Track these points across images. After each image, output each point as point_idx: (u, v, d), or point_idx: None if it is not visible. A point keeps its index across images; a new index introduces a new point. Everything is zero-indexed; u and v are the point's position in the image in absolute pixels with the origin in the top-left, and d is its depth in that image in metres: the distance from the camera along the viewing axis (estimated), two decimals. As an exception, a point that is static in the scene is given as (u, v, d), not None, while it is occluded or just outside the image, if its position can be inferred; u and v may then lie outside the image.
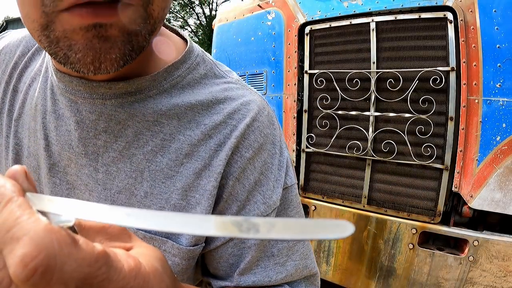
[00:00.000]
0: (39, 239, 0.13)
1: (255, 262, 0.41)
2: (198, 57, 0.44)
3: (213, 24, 2.63)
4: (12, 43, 0.47)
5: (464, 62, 1.47)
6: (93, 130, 0.37)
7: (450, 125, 1.51)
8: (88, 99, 0.37)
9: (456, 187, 1.52)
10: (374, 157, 1.71)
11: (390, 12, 1.65)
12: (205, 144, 0.38)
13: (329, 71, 1.81)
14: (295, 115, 1.99)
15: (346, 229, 0.15)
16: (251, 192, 0.40)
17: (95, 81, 0.37)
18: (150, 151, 0.38)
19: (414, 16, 1.57)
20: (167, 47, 0.41)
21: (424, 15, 1.55)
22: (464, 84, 1.47)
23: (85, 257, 0.14)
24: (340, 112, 1.80)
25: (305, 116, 1.93)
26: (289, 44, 2.00)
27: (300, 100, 1.98)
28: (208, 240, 0.41)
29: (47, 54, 0.42)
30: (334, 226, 0.15)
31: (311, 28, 1.89)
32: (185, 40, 0.44)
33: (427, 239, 1.66)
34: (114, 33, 0.28)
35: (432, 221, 1.58)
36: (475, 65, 1.45)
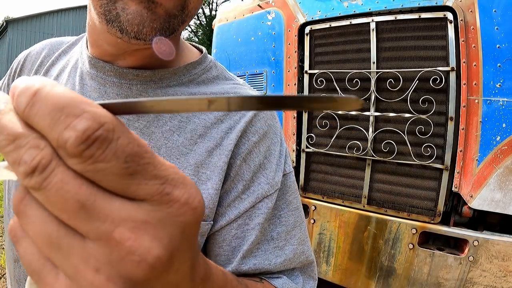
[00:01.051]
0: (100, 115, 0.15)
1: (256, 245, 0.43)
2: (211, 62, 0.51)
3: (213, 24, 2.63)
4: (35, 51, 0.54)
5: (464, 62, 1.47)
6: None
7: (450, 125, 1.51)
8: (116, 83, 0.43)
9: (456, 187, 1.52)
10: (374, 157, 1.71)
11: (390, 12, 1.65)
12: (217, 127, 0.43)
13: (329, 71, 1.81)
14: (295, 115, 1.99)
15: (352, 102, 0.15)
16: (256, 174, 0.43)
17: (125, 68, 0.43)
18: (168, 130, 0.42)
19: (414, 16, 1.57)
20: (188, 50, 0.50)
21: (424, 15, 1.55)
22: (464, 84, 1.47)
23: (136, 137, 0.16)
24: (340, 112, 1.80)
25: (305, 116, 1.93)
26: (289, 44, 2.00)
27: (300, 100, 1.98)
28: (215, 217, 0.43)
29: (79, 50, 0.49)
30: (342, 100, 0.15)
31: (311, 28, 1.89)
32: (201, 51, 0.53)
33: (427, 239, 1.66)
34: (160, 11, 0.36)
35: (432, 221, 1.58)
36: (475, 65, 1.45)
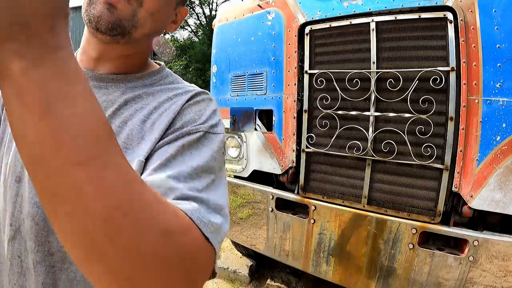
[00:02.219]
0: None
1: (169, 161, 0.49)
2: (168, 72, 0.66)
3: (213, 24, 2.63)
4: None
5: (464, 62, 1.47)
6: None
7: (450, 125, 1.51)
8: (96, 85, 0.58)
9: (456, 187, 1.52)
10: (374, 157, 1.71)
11: (390, 12, 1.65)
12: (168, 102, 0.58)
13: (329, 71, 1.81)
14: (295, 115, 1.98)
15: None
16: (185, 123, 0.54)
17: (104, 74, 0.58)
18: (133, 110, 0.57)
19: (414, 16, 1.57)
20: (151, 64, 0.67)
21: (424, 15, 1.55)
22: (464, 84, 1.47)
23: None
24: (340, 112, 1.80)
25: (305, 116, 1.93)
26: (289, 44, 1.99)
27: (300, 100, 1.98)
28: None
29: None
30: None
31: (311, 28, 1.89)
32: (160, 65, 0.68)
33: (427, 239, 1.66)
34: (115, 12, 0.51)
35: (432, 221, 1.58)
36: (475, 65, 1.45)
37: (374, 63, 1.67)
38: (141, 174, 0.49)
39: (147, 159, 0.51)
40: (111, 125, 0.51)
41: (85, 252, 0.27)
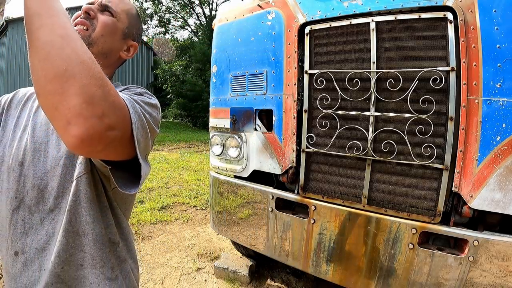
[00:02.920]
0: None
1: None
2: (118, 83, 0.94)
3: (213, 24, 2.63)
4: (21, 92, 0.94)
5: (464, 62, 1.47)
6: None
7: (450, 125, 1.51)
8: None
9: (456, 187, 1.52)
10: (374, 157, 1.71)
11: (390, 12, 1.65)
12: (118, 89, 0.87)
13: (329, 71, 1.81)
14: (295, 115, 1.99)
15: None
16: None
17: None
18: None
19: (414, 16, 1.57)
20: (112, 80, 0.95)
21: (424, 15, 1.55)
22: (464, 84, 1.47)
23: None
24: (340, 112, 1.80)
25: (305, 116, 1.93)
26: (289, 44, 1.99)
27: (300, 100, 1.98)
28: None
29: None
30: None
31: (311, 28, 1.89)
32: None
33: (427, 239, 1.66)
34: (84, 34, 0.82)
35: (432, 221, 1.58)
36: (475, 65, 1.45)
37: (374, 63, 1.67)
38: None
39: None
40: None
41: (56, 78, 0.52)
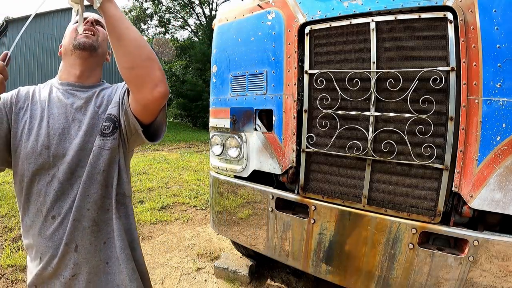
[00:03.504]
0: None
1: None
2: (105, 82, 1.19)
3: (213, 24, 2.63)
4: (23, 90, 1.11)
5: (464, 62, 1.47)
6: (71, 100, 1.09)
7: (450, 125, 1.51)
8: (80, 89, 1.11)
9: (456, 187, 1.52)
10: (374, 157, 1.71)
11: (390, 12, 1.65)
12: (108, 89, 1.15)
13: (329, 71, 1.81)
14: (295, 115, 1.99)
15: None
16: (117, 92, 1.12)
17: (75, 82, 1.12)
18: (102, 94, 1.13)
19: (414, 16, 1.57)
20: (100, 79, 1.22)
21: (424, 15, 1.55)
22: (464, 84, 1.47)
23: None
24: (340, 112, 1.80)
25: (305, 116, 1.93)
26: (289, 44, 1.99)
27: (300, 100, 1.98)
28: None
29: (48, 85, 1.14)
30: None
31: (311, 28, 1.89)
32: (103, 80, 1.25)
33: (427, 239, 1.66)
34: (89, 38, 1.11)
35: (432, 221, 1.58)
36: (475, 65, 1.45)
37: (374, 63, 1.67)
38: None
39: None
40: (99, 97, 1.11)
41: (139, 55, 0.92)
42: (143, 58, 0.90)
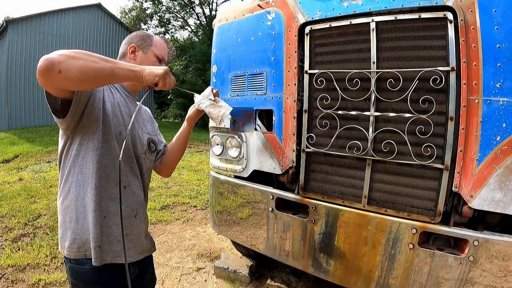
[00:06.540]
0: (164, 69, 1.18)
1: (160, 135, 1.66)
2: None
3: (213, 24, 2.63)
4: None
5: (464, 62, 1.47)
6: (133, 106, 1.41)
7: (450, 125, 1.51)
8: (128, 96, 1.41)
9: (456, 187, 1.52)
10: (374, 157, 1.71)
11: (390, 12, 1.65)
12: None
13: (329, 71, 1.81)
14: (295, 115, 1.99)
15: None
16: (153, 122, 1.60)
17: (130, 91, 1.43)
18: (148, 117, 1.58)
19: (414, 16, 1.57)
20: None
21: (424, 15, 1.55)
22: (464, 84, 1.47)
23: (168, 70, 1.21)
24: (340, 112, 1.80)
25: (305, 116, 1.93)
26: (289, 44, 1.99)
27: (300, 100, 1.98)
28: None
29: (119, 87, 1.40)
30: None
31: (311, 28, 1.89)
32: None
33: (427, 239, 1.66)
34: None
35: (432, 221, 1.58)
36: (475, 65, 1.45)
37: (374, 63, 1.67)
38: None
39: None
40: (141, 109, 1.46)
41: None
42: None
